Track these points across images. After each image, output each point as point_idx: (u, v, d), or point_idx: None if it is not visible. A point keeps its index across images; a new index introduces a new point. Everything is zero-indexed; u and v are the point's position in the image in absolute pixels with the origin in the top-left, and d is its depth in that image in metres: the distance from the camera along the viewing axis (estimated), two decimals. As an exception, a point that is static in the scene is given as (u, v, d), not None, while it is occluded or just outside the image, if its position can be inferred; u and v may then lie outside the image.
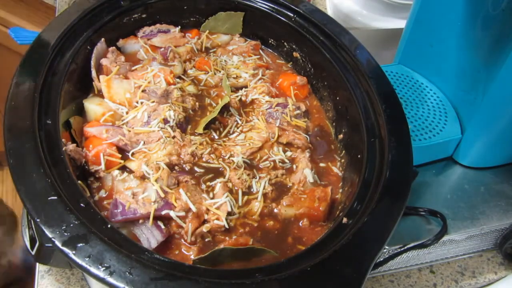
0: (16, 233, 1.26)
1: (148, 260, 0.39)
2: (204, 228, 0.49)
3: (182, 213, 0.49)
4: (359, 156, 0.55)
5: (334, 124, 0.65)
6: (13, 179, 0.41)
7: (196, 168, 0.55)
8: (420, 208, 0.64)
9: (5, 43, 1.38)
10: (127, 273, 0.38)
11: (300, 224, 0.53)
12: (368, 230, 0.45)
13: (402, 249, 0.60)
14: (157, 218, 0.48)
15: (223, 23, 0.74)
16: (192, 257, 0.48)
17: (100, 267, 0.38)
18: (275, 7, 0.69)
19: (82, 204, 0.41)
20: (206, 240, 0.50)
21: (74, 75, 0.57)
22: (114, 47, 0.64)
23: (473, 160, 0.73)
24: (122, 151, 0.55)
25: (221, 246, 0.49)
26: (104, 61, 0.62)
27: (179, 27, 0.72)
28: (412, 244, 0.61)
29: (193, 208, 0.49)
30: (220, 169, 0.55)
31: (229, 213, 0.51)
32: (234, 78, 0.67)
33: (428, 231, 0.62)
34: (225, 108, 0.62)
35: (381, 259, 0.60)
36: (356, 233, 0.44)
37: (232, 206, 0.51)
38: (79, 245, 0.38)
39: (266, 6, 0.70)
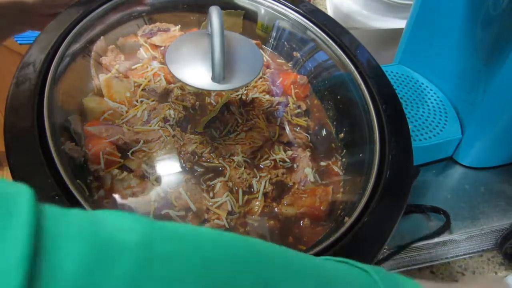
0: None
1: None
2: (204, 228, 0.49)
3: (182, 213, 0.49)
4: (360, 155, 0.55)
5: (335, 123, 0.65)
6: (13, 179, 0.41)
7: (196, 167, 0.55)
8: (423, 206, 0.64)
9: (5, 43, 1.38)
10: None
11: (301, 224, 0.53)
12: (368, 230, 0.45)
13: (405, 243, 0.60)
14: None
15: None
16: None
17: (100, 266, 0.37)
18: (275, 6, 0.69)
19: (82, 204, 0.41)
20: (206, 239, 0.50)
21: (73, 74, 0.57)
22: (113, 46, 0.64)
23: (474, 160, 0.73)
24: (121, 150, 0.55)
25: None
26: (103, 60, 0.61)
27: (179, 26, 0.71)
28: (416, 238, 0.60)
29: (193, 208, 0.49)
30: (220, 168, 0.55)
31: (230, 213, 0.50)
32: (234, 77, 0.67)
33: (430, 229, 0.62)
34: (225, 107, 0.62)
35: (385, 255, 0.60)
36: (356, 233, 0.44)
37: (233, 205, 0.51)
38: (79, 244, 0.38)
39: (267, 5, 0.70)
